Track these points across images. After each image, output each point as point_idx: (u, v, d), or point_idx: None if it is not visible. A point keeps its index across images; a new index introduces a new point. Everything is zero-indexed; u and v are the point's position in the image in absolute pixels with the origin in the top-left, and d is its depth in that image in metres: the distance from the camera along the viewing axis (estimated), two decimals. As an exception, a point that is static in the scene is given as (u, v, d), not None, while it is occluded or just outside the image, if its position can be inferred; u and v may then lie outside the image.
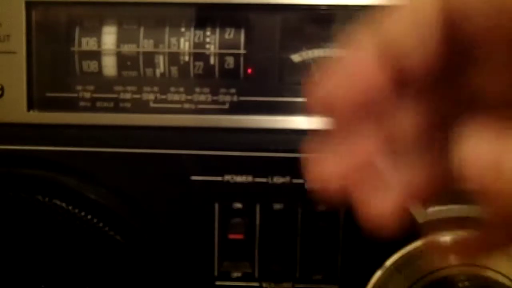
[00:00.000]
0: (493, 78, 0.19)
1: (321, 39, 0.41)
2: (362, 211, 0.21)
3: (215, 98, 0.41)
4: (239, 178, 0.40)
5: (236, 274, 0.42)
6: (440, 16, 0.19)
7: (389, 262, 0.40)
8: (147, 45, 0.41)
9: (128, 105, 0.41)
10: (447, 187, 0.22)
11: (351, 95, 0.20)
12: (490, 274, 0.39)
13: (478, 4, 0.18)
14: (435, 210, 0.40)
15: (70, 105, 0.42)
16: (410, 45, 0.19)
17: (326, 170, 0.21)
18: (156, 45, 0.41)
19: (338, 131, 0.21)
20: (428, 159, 0.22)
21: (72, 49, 0.41)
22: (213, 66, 0.41)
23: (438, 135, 0.21)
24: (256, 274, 0.42)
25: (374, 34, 0.20)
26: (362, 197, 0.21)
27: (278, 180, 0.40)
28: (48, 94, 0.42)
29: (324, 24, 0.41)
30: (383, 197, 0.21)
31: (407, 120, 0.21)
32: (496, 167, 0.17)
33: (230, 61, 0.41)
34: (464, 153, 0.18)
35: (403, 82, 0.20)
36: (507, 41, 0.18)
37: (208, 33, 0.41)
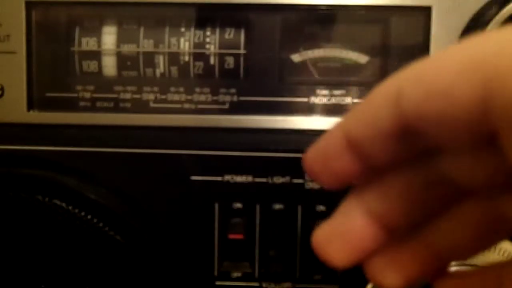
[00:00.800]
0: (466, 166, 0.20)
1: (321, 39, 0.41)
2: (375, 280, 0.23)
3: (215, 98, 0.41)
4: (239, 178, 0.40)
5: (236, 274, 0.42)
6: (394, 118, 0.19)
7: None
8: (147, 45, 0.41)
9: (128, 105, 0.41)
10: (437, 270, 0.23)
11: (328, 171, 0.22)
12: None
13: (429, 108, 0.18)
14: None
15: (70, 105, 0.42)
16: (365, 136, 0.20)
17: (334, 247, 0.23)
18: (156, 45, 0.41)
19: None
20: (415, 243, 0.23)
21: (72, 49, 0.41)
22: (213, 66, 0.41)
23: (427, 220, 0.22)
24: (256, 274, 0.42)
25: (342, 123, 0.22)
26: (373, 268, 0.23)
27: (278, 180, 0.40)
28: (48, 94, 0.42)
29: (324, 24, 0.41)
30: (393, 271, 0.23)
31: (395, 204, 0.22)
32: None
33: (230, 61, 0.41)
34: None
35: (372, 167, 0.21)
36: (463, 131, 0.18)
37: (208, 33, 0.41)
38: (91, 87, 0.41)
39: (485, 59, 0.17)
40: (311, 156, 0.22)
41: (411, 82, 0.19)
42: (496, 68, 0.16)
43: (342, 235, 0.23)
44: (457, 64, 0.18)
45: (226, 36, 0.41)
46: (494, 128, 0.17)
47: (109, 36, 0.41)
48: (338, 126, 0.21)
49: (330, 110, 0.41)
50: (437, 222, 0.22)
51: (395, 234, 0.22)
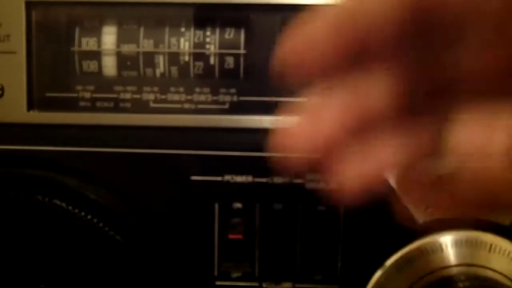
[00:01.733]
0: (471, 56, 0.19)
1: (321, 39, 0.40)
2: (331, 177, 0.21)
3: (215, 98, 0.41)
4: (239, 178, 0.40)
5: (236, 274, 0.42)
6: None
7: (389, 262, 0.40)
8: (147, 45, 0.41)
9: (128, 105, 0.41)
10: (421, 160, 0.21)
11: (308, 58, 0.20)
12: (490, 274, 0.39)
13: None
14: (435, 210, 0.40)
15: (70, 105, 0.42)
16: (373, 11, 0.19)
17: (296, 141, 0.21)
18: (156, 45, 0.41)
19: (310, 100, 0.22)
20: (403, 134, 0.21)
21: (72, 49, 0.41)
22: (213, 66, 0.41)
23: (417, 112, 0.21)
24: (256, 274, 0.42)
25: (336, 7, 0.20)
26: (332, 165, 0.21)
27: (278, 180, 0.40)
28: (48, 94, 0.42)
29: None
30: (353, 166, 0.21)
31: (378, 93, 0.21)
32: (484, 151, 0.18)
33: (230, 61, 0.41)
34: (452, 139, 0.19)
35: (363, 51, 0.20)
36: (491, 18, 0.18)
37: (208, 33, 0.41)
38: (91, 87, 0.41)
39: None
40: (289, 46, 0.20)
41: None
42: None
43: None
44: None
45: (226, 36, 0.41)
46: None
47: (109, 36, 0.41)
48: (327, 13, 0.20)
49: (330, 110, 0.41)
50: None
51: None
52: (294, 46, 0.21)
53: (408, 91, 0.20)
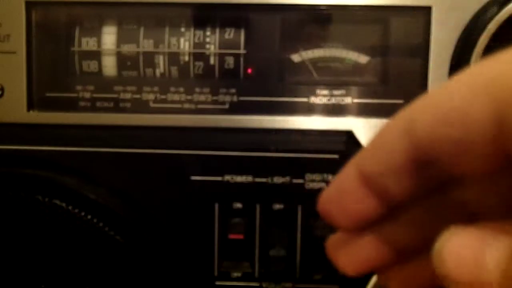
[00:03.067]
0: (481, 192, 0.20)
1: (321, 39, 0.41)
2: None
3: (215, 98, 0.41)
4: (239, 178, 0.40)
5: (236, 274, 0.42)
6: (407, 150, 0.19)
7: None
8: (147, 45, 0.41)
9: (128, 105, 0.41)
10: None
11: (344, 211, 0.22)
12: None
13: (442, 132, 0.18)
14: None
15: (70, 105, 0.42)
16: (380, 172, 0.20)
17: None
18: (156, 45, 0.41)
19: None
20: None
21: (72, 49, 0.41)
22: (213, 66, 0.41)
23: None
24: (256, 274, 0.42)
25: (355, 161, 0.22)
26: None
27: (278, 180, 0.40)
28: (48, 94, 0.42)
29: (324, 24, 0.41)
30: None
31: (402, 235, 0.23)
32: (477, 263, 0.17)
33: (230, 61, 0.41)
34: (443, 247, 0.18)
35: (386, 200, 0.21)
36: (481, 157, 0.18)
37: (208, 33, 0.41)
38: (91, 87, 0.41)
39: (494, 80, 0.17)
40: (325, 197, 0.22)
41: (422, 109, 0.19)
42: (505, 89, 0.16)
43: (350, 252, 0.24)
44: (467, 86, 0.17)
45: (226, 36, 0.41)
46: (508, 150, 0.17)
47: (109, 36, 0.41)
48: (351, 164, 0.21)
49: (330, 110, 0.41)
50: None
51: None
52: (329, 199, 0.22)
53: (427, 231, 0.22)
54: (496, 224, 0.18)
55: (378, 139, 0.21)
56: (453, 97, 0.18)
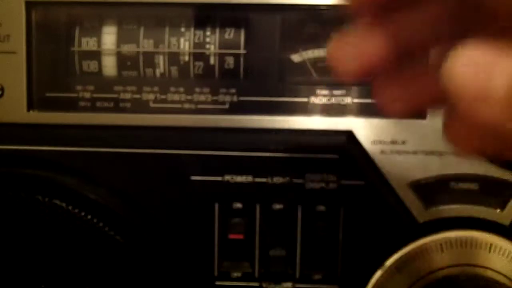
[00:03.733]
0: None
1: (321, 39, 0.41)
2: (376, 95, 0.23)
3: (215, 98, 0.41)
4: (239, 178, 0.40)
5: (236, 274, 0.42)
6: None
7: (389, 262, 0.40)
8: (147, 45, 0.41)
9: (128, 105, 0.41)
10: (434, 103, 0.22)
11: None
12: (490, 274, 0.39)
13: None
14: (435, 210, 0.40)
15: (70, 105, 0.42)
16: None
17: (346, 50, 0.22)
18: (156, 45, 0.41)
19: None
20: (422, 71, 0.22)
21: (72, 49, 0.41)
22: (213, 66, 0.41)
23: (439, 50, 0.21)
24: (256, 274, 0.42)
25: None
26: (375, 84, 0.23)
27: (278, 180, 0.40)
28: (48, 94, 0.42)
29: (324, 24, 0.41)
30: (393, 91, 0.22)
31: (419, 24, 0.21)
32: (485, 77, 0.17)
33: (230, 61, 0.41)
34: (454, 60, 0.17)
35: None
36: None
37: (208, 33, 0.41)
38: (91, 87, 0.41)
39: None
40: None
41: None
42: None
43: (353, 44, 0.22)
44: None
45: (226, 36, 0.41)
46: None
47: (109, 36, 0.41)
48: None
49: (330, 110, 0.41)
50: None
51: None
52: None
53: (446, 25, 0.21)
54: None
55: None
56: None
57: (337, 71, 0.22)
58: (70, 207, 0.40)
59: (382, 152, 0.40)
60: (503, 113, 0.17)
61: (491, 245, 0.39)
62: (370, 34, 0.21)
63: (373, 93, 0.23)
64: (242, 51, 0.41)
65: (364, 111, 0.40)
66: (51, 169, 0.41)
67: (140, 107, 0.41)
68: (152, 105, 0.41)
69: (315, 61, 0.41)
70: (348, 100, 0.41)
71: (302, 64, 0.41)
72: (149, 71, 0.41)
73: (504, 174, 0.39)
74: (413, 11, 0.21)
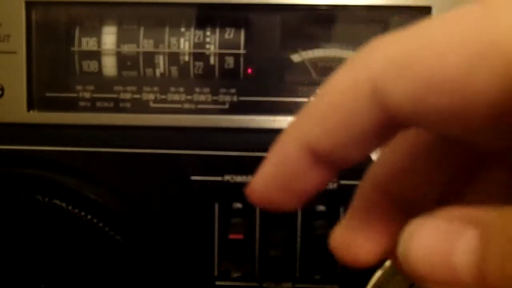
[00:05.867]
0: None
1: (321, 39, 0.41)
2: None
3: (215, 98, 0.41)
4: (239, 178, 0.40)
5: (236, 274, 0.42)
6: (375, 118, 0.16)
7: (389, 262, 0.40)
8: (147, 45, 0.41)
9: (128, 105, 0.41)
10: None
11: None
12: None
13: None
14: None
15: (70, 105, 0.42)
16: (339, 146, 0.17)
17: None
18: (156, 45, 0.41)
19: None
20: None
21: (72, 49, 0.41)
22: (213, 66, 0.41)
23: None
24: (256, 274, 0.42)
25: (294, 138, 0.18)
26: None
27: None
28: (48, 94, 0.42)
29: (324, 24, 0.41)
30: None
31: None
32: (447, 261, 0.14)
33: (230, 61, 0.41)
34: (409, 243, 0.15)
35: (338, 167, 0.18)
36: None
37: (208, 33, 0.41)
38: (91, 87, 0.41)
39: (505, 37, 0.13)
40: (263, 187, 0.19)
41: (394, 76, 0.15)
42: None
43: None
44: (466, 47, 0.14)
45: (226, 36, 0.41)
46: None
47: (109, 36, 0.41)
48: (289, 142, 0.18)
49: (330, 110, 0.41)
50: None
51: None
52: (269, 187, 0.19)
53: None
54: (468, 209, 0.15)
55: (327, 107, 0.17)
56: (445, 60, 0.14)
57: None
58: (70, 207, 0.40)
59: (382, 152, 0.40)
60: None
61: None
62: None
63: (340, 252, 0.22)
64: (242, 51, 0.41)
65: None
66: (51, 169, 0.41)
67: (140, 107, 0.41)
68: (152, 105, 0.41)
69: (315, 61, 0.41)
70: (348, 100, 0.41)
71: (302, 64, 0.41)
72: (149, 71, 0.41)
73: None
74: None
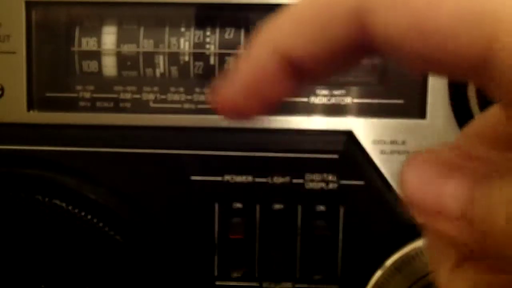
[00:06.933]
0: None
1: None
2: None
3: (215, 98, 0.41)
4: (239, 178, 0.40)
5: (236, 274, 0.42)
6: (353, 35, 0.16)
7: (389, 262, 0.40)
8: (147, 45, 0.41)
9: (128, 105, 0.41)
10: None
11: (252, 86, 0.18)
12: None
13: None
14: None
15: (70, 105, 0.42)
16: (312, 55, 0.17)
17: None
18: (156, 45, 0.41)
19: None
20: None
21: (72, 49, 0.41)
22: (213, 66, 0.41)
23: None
24: (256, 274, 0.42)
25: (268, 42, 0.18)
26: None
27: (278, 180, 0.40)
28: (48, 94, 0.42)
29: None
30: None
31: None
32: (438, 199, 0.16)
33: (230, 61, 0.41)
34: (404, 175, 0.17)
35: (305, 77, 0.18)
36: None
37: (208, 33, 0.41)
38: (91, 87, 0.41)
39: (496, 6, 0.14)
40: (232, 94, 0.18)
41: (386, 5, 0.15)
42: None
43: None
44: (462, 2, 0.14)
45: (226, 36, 0.41)
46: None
47: (109, 36, 0.41)
48: (263, 47, 0.18)
49: (330, 110, 0.41)
50: None
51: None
52: (237, 91, 0.18)
53: None
54: (459, 159, 0.16)
55: (306, 15, 0.17)
56: (441, 12, 0.14)
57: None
58: (70, 207, 0.40)
59: (382, 152, 0.40)
60: (460, 230, 0.16)
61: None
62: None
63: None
64: (242, 51, 0.41)
65: (364, 111, 0.40)
66: (51, 169, 0.41)
67: (140, 107, 0.41)
68: (152, 105, 0.41)
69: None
70: (348, 100, 0.41)
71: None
72: (149, 71, 0.41)
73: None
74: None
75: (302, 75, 0.18)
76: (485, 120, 0.20)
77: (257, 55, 0.18)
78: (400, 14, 0.15)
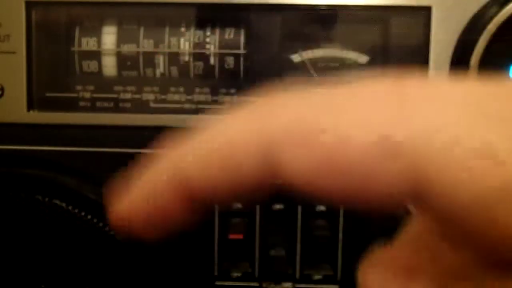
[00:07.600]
0: None
1: (321, 39, 0.41)
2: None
3: (215, 98, 0.41)
4: (239, 178, 0.40)
5: (236, 274, 0.42)
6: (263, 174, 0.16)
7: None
8: (147, 45, 0.41)
9: (128, 105, 0.41)
10: None
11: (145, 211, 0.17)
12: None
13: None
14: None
15: (70, 105, 0.42)
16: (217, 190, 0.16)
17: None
18: (156, 45, 0.41)
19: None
20: None
21: (72, 49, 0.41)
22: (213, 66, 0.41)
23: None
24: (256, 274, 0.42)
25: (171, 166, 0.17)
26: None
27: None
28: (48, 94, 0.42)
29: (324, 24, 0.41)
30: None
31: None
32: None
33: (230, 61, 0.41)
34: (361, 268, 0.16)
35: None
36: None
37: (208, 33, 0.41)
38: (91, 87, 0.41)
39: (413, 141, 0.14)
40: (128, 209, 0.17)
41: (292, 146, 0.15)
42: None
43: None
44: (376, 138, 0.14)
45: (226, 36, 0.41)
46: None
47: (109, 36, 0.41)
48: (163, 170, 0.17)
49: (330, 110, 0.41)
50: None
51: None
52: (136, 211, 0.17)
53: None
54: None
55: (214, 152, 0.16)
56: (351, 147, 0.14)
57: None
58: (70, 207, 0.40)
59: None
60: None
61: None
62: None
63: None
64: (242, 51, 0.41)
65: (364, 111, 0.40)
66: (51, 169, 0.41)
67: (140, 107, 0.41)
68: (152, 105, 0.41)
69: (315, 61, 0.41)
70: (348, 100, 0.41)
71: (302, 64, 0.41)
72: (149, 71, 0.41)
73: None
74: None
75: (201, 202, 0.17)
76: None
77: (156, 180, 0.17)
78: (309, 151, 0.14)
